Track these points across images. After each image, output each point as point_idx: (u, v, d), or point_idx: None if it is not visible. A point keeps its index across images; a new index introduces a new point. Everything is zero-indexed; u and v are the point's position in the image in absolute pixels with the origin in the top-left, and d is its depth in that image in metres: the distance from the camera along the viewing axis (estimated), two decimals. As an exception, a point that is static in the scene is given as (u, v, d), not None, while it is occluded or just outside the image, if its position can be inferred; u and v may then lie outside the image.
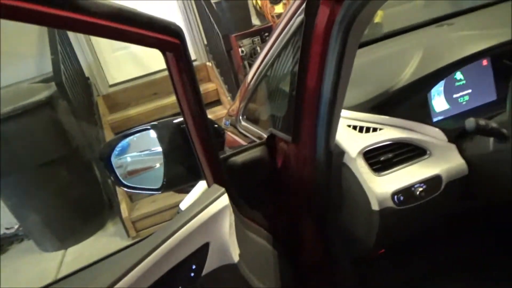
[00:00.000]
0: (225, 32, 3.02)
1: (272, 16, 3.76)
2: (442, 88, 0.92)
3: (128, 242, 2.81)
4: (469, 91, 0.93)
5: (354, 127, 0.87)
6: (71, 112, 2.59)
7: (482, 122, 0.67)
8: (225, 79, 3.32)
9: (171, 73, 0.67)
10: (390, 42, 1.15)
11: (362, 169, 0.81)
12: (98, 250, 2.83)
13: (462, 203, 0.88)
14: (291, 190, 0.90)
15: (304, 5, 0.71)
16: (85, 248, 2.96)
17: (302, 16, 0.72)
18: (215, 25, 2.88)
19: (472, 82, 0.93)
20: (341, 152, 0.82)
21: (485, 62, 0.93)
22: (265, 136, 0.94)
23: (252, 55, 3.37)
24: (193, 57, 3.79)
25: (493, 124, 0.68)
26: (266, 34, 3.43)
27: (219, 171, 0.77)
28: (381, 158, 0.84)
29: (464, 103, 0.94)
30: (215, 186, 0.73)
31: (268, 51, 0.93)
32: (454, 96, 0.93)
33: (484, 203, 0.89)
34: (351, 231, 0.88)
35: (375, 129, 0.87)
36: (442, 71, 0.87)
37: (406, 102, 0.87)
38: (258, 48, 3.43)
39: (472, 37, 0.96)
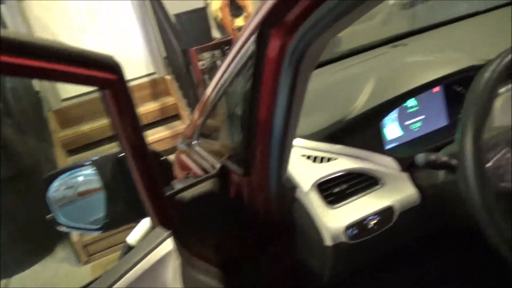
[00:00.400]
0: (185, 45, 2.97)
1: (233, 29, 3.74)
2: (395, 116, 0.91)
3: (79, 268, 2.65)
4: (422, 117, 0.93)
5: (309, 157, 0.85)
6: (18, 130, 2.43)
7: (431, 157, 0.66)
8: (184, 93, 3.26)
9: (109, 110, 0.62)
10: (344, 64, 1.14)
11: (315, 203, 0.79)
12: (45, 278, 2.64)
13: (415, 232, 0.87)
14: (244, 225, 0.85)
15: (255, 35, 0.68)
16: (31, 276, 2.76)
17: (253, 46, 0.68)
18: (173, 38, 2.82)
19: (425, 108, 0.93)
20: (294, 187, 0.79)
21: (436, 88, 0.94)
22: (218, 165, 0.90)
23: (212, 69, 3.33)
24: (151, 70, 3.70)
25: (442, 157, 0.67)
26: (227, 47, 3.41)
27: (164, 210, 0.71)
28: (335, 190, 0.82)
29: (416, 129, 0.94)
30: (158, 230, 0.68)
31: (221, 76, 0.89)
32: (407, 123, 0.92)
33: (436, 231, 0.89)
34: (305, 265, 0.85)
35: (329, 159, 0.84)
36: (396, 100, 0.86)
37: (360, 130, 0.86)
38: (218, 62, 3.39)
39: (425, 64, 0.97)
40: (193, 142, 1.22)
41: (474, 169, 0.59)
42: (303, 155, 0.85)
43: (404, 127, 0.92)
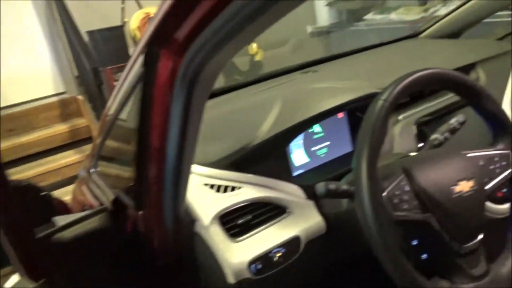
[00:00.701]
0: (100, 63, 2.78)
1: (152, 49, 3.62)
2: (301, 142, 0.89)
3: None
4: (327, 143, 0.93)
5: (212, 186, 0.79)
6: None
7: (331, 186, 0.64)
8: (98, 114, 3.04)
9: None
10: (253, 90, 1.11)
11: (216, 238, 0.72)
12: None
13: (322, 261, 0.85)
14: (139, 266, 0.76)
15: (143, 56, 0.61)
16: None
17: (141, 67, 0.62)
18: (83, 56, 2.63)
19: (330, 134, 0.93)
20: (192, 220, 0.72)
21: (341, 114, 0.94)
22: (112, 198, 0.80)
23: (129, 89, 3.17)
24: (62, 89, 3.42)
25: (343, 186, 0.66)
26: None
27: (32, 255, 0.60)
28: (239, 221, 0.77)
29: (323, 155, 0.93)
30: (22, 282, 0.56)
31: (115, 98, 0.81)
32: (313, 149, 0.91)
33: (343, 259, 0.87)
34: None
35: (233, 188, 0.79)
36: (300, 126, 0.84)
37: (265, 157, 0.82)
38: (136, 82, 3.24)
39: (331, 90, 0.97)
40: (91, 170, 1.10)
41: (368, 198, 0.57)
42: (206, 184, 0.79)
43: (310, 154, 0.91)
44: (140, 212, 0.70)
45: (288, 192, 0.82)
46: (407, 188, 0.62)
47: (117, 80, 3.19)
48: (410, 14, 3.00)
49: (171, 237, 0.69)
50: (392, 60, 1.32)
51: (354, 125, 0.95)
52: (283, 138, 0.83)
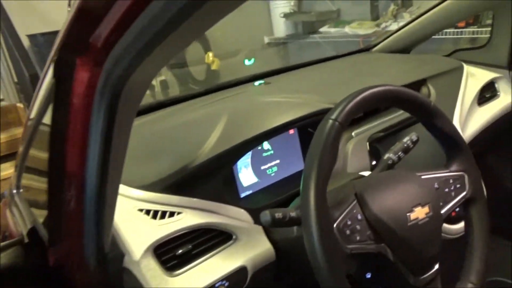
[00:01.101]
0: (42, 69, 2.56)
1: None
2: (249, 160, 0.83)
3: None
4: (277, 161, 0.87)
5: (147, 212, 0.69)
6: None
7: (278, 214, 0.57)
8: (39, 124, 2.82)
9: None
10: (199, 103, 1.03)
11: (149, 273, 0.63)
12: None
13: None
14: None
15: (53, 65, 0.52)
16: None
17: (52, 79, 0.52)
18: (21, 61, 2.43)
19: (280, 152, 0.87)
20: (120, 255, 0.63)
21: (291, 130, 0.88)
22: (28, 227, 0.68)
23: (75, 98, 2.97)
24: (0, 96, 3.15)
25: (290, 213, 0.59)
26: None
27: None
28: (178, 252, 0.68)
29: (273, 174, 0.86)
30: None
31: (31, 111, 0.70)
32: (262, 167, 0.85)
33: (293, 287, 0.81)
34: None
35: (172, 214, 0.71)
36: (248, 143, 0.77)
37: (209, 178, 0.74)
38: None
39: (282, 105, 0.91)
40: (13, 191, 0.97)
41: (316, 231, 0.51)
42: (140, 210, 0.69)
43: (259, 173, 0.84)
44: (55, 247, 0.60)
45: (234, 216, 0.75)
46: (359, 216, 0.57)
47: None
48: (363, 28, 3.07)
49: (94, 276, 0.59)
50: (345, 74, 1.30)
51: (306, 141, 0.90)
52: (229, 157, 0.76)
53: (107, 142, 0.50)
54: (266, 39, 3.93)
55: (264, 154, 0.84)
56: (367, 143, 0.93)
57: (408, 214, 0.58)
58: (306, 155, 0.89)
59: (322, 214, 0.53)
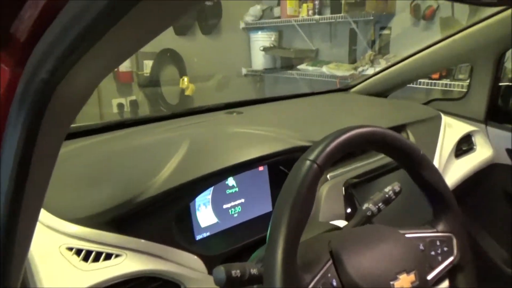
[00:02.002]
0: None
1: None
2: (209, 197, 0.72)
3: None
4: (242, 200, 0.76)
5: (78, 252, 0.57)
6: None
7: (235, 272, 0.46)
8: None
9: None
10: (162, 127, 0.92)
11: None
12: None
13: None
14: None
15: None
16: None
17: None
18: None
19: (246, 190, 0.77)
20: None
21: (261, 167, 0.79)
22: None
23: None
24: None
25: (251, 269, 0.48)
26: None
27: None
28: None
29: (235, 215, 0.76)
30: None
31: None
32: (225, 206, 0.74)
33: None
34: None
35: (109, 256, 0.58)
36: (210, 178, 0.67)
37: (159, 215, 0.63)
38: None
39: (253, 137, 0.82)
40: None
41: None
42: (69, 248, 0.56)
43: (220, 212, 0.73)
44: None
45: (184, 264, 0.63)
46: (334, 282, 0.47)
47: None
48: (341, 70, 3.10)
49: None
50: (322, 111, 1.23)
51: (276, 180, 0.81)
52: (185, 192, 0.65)
53: (23, 167, 0.38)
54: (244, 71, 3.91)
55: (228, 191, 0.74)
56: (343, 188, 0.84)
57: (392, 282, 0.48)
58: (275, 196, 0.81)
59: (290, 276, 0.42)
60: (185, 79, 3.43)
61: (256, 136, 0.82)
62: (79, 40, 0.29)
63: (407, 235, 0.56)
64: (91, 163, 0.69)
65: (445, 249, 0.58)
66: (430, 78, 2.45)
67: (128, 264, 0.58)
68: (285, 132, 0.85)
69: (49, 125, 0.37)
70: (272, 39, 3.67)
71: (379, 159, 0.94)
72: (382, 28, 2.96)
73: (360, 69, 2.99)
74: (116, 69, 3.17)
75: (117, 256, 0.58)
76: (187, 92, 3.46)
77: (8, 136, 0.37)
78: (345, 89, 1.65)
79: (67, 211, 0.59)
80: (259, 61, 3.70)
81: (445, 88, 2.38)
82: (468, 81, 2.34)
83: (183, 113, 1.11)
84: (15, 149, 0.36)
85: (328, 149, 0.47)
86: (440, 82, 2.39)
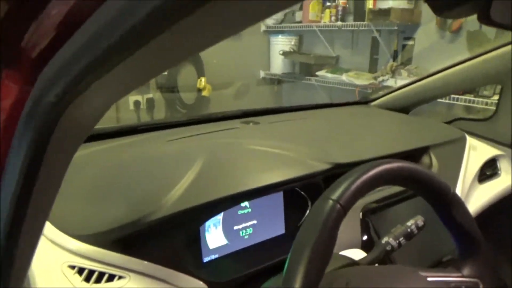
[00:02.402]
0: None
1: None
2: (220, 218, 0.69)
3: None
4: (254, 222, 0.73)
5: (80, 271, 0.54)
6: None
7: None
8: None
9: None
10: (178, 134, 0.89)
11: None
12: None
13: None
14: None
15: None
16: None
17: None
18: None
19: (259, 211, 0.73)
20: None
21: (276, 188, 0.75)
22: None
23: None
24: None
25: None
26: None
27: None
28: None
29: (246, 237, 0.72)
30: None
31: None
32: (236, 228, 0.71)
33: None
34: None
35: (112, 277, 0.55)
36: (225, 201, 0.64)
37: (168, 237, 0.60)
38: None
39: (272, 158, 0.78)
40: None
41: None
42: (71, 267, 0.54)
43: (230, 234, 0.70)
44: None
45: (190, 289, 0.60)
46: None
47: None
48: (360, 79, 3.04)
49: None
50: (342, 125, 1.19)
51: (291, 202, 0.77)
52: (196, 215, 0.62)
53: (28, 185, 0.36)
54: (262, 73, 3.88)
55: (240, 212, 0.71)
56: (360, 214, 0.80)
57: None
58: (288, 218, 0.77)
59: None
60: (203, 79, 3.42)
61: (273, 156, 0.78)
62: (97, 63, 0.26)
63: (429, 279, 0.52)
64: (101, 175, 0.67)
65: None
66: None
67: (131, 287, 0.55)
68: (304, 151, 0.81)
69: (57, 146, 0.34)
70: (292, 43, 3.63)
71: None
72: (406, 39, 2.89)
73: (380, 78, 2.93)
74: (134, 67, 3.17)
75: (120, 277, 0.56)
76: (204, 93, 3.45)
77: (14, 154, 0.34)
78: (365, 102, 1.60)
79: (72, 227, 0.56)
80: (278, 65, 3.67)
81: (468, 104, 2.30)
82: (493, 98, 2.27)
83: (198, 119, 1.09)
84: (20, 167, 0.34)
85: (353, 187, 0.43)
86: (463, 97, 2.32)
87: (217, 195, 0.62)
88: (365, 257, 0.62)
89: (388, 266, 0.55)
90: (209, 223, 0.67)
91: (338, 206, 0.42)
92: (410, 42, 2.89)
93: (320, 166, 0.74)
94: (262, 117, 1.22)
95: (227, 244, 0.69)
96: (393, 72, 2.86)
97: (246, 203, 0.71)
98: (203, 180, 0.65)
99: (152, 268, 0.57)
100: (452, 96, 2.33)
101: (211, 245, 0.68)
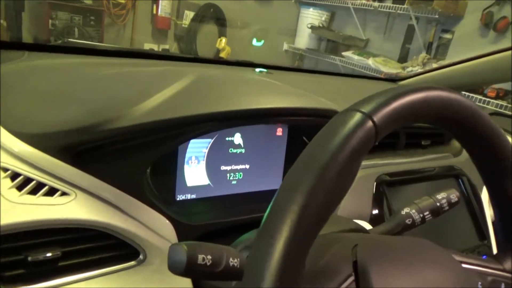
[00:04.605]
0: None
1: None
2: (206, 150, 0.55)
3: None
4: (246, 166, 0.60)
5: (14, 177, 0.42)
6: None
7: (205, 258, 0.30)
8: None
9: None
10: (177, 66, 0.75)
11: None
12: None
13: None
14: None
15: None
16: None
17: None
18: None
19: (255, 154, 0.60)
20: None
21: (279, 130, 0.62)
22: None
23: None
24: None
25: (232, 258, 0.32)
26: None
27: None
28: (41, 256, 0.41)
29: (234, 182, 0.59)
30: None
31: None
32: (223, 168, 0.58)
33: None
34: None
35: (53, 191, 0.43)
36: (213, 120, 0.50)
37: (132, 155, 0.47)
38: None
39: (279, 88, 0.65)
40: None
41: None
42: (4, 169, 0.42)
43: (215, 174, 0.57)
44: None
45: (151, 226, 0.47)
46: None
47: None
48: (388, 66, 2.86)
49: None
50: (366, 92, 1.04)
51: (295, 152, 0.63)
52: (173, 132, 0.48)
53: None
54: (285, 46, 3.70)
55: (231, 150, 0.57)
56: (374, 184, 0.67)
57: None
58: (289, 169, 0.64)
59: (287, 283, 0.26)
60: (223, 40, 3.25)
61: (281, 87, 0.64)
62: None
63: (463, 265, 0.39)
64: (66, 82, 0.53)
65: None
66: (485, 96, 2.21)
67: (74, 207, 0.43)
68: (319, 98, 0.67)
69: None
70: (323, 18, 3.43)
71: (425, 160, 0.75)
72: (444, 31, 2.69)
73: (409, 69, 2.75)
74: (154, 13, 3.02)
75: (63, 194, 0.43)
76: (222, 54, 3.28)
77: None
78: (393, 80, 1.45)
79: (14, 123, 0.44)
80: (303, 39, 3.48)
81: (498, 109, 2.13)
82: (528, 107, 2.09)
83: (205, 59, 0.94)
84: None
85: (393, 105, 0.29)
86: (495, 101, 2.15)
87: (202, 110, 0.48)
88: (377, 227, 0.48)
89: (410, 238, 0.41)
90: (191, 153, 0.54)
91: (370, 122, 0.28)
92: (448, 36, 2.69)
93: (336, 107, 0.60)
94: (278, 71, 1.08)
95: (208, 185, 0.56)
96: (424, 65, 2.68)
97: (240, 141, 0.57)
98: (187, 95, 0.51)
99: (106, 189, 0.45)
100: (484, 98, 2.16)
101: (190, 181, 0.55)
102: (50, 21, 2.71)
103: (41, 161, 0.43)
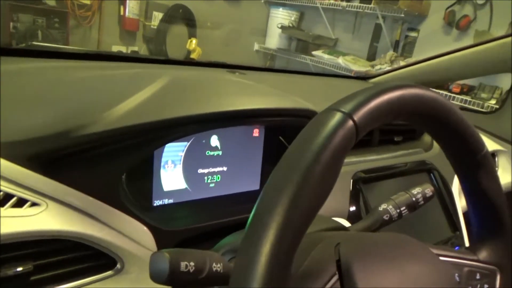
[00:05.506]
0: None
1: None
2: (182, 154, 0.54)
3: None
4: (224, 168, 0.59)
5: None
6: None
7: (188, 265, 0.29)
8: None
9: None
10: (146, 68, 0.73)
11: None
12: None
13: None
14: None
15: None
16: None
17: None
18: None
19: (232, 156, 0.59)
20: None
21: (256, 132, 0.61)
22: None
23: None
24: None
25: (215, 264, 0.32)
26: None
27: None
28: (9, 271, 0.39)
29: (212, 185, 0.58)
30: None
31: None
32: (200, 171, 0.57)
33: None
34: None
35: (22, 203, 0.41)
36: (189, 123, 0.49)
37: (106, 162, 0.45)
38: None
39: (253, 88, 0.64)
40: None
41: None
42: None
43: (192, 177, 0.56)
44: None
45: (128, 234, 0.46)
46: None
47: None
48: (357, 65, 2.92)
49: None
50: (339, 93, 1.05)
51: (271, 153, 0.63)
52: (147, 137, 0.47)
53: None
54: (256, 46, 3.71)
55: (208, 153, 0.57)
56: (351, 181, 0.68)
57: None
58: (266, 172, 0.64)
59: (276, 285, 0.25)
60: (194, 41, 3.22)
61: (258, 88, 0.64)
62: None
63: (441, 258, 0.40)
64: (33, 87, 0.51)
65: (486, 286, 0.42)
66: (450, 91, 2.29)
67: (45, 218, 0.41)
68: (295, 97, 0.68)
69: None
70: (292, 18, 3.46)
71: (398, 156, 0.77)
72: (410, 30, 2.77)
73: (377, 67, 2.81)
74: (122, 14, 2.95)
75: (33, 204, 0.41)
76: (193, 55, 3.25)
77: None
78: (363, 78, 1.48)
79: None
80: (274, 39, 3.50)
81: (463, 105, 2.21)
82: (490, 101, 2.18)
83: (176, 61, 0.93)
84: None
85: (372, 104, 0.29)
86: (460, 97, 2.23)
87: (179, 113, 0.47)
88: (356, 224, 0.49)
89: (390, 234, 0.42)
90: (167, 157, 0.53)
91: (351, 122, 0.28)
92: (414, 34, 2.77)
93: (313, 107, 0.60)
94: (250, 71, 1.08)
95: (186, 189, 0.55)
96: (392, 63, 2.75)
97: (217, 143, 0.57)
98: (161, 98, 0.49)
99: (80, 198, 0.43)
100: (449, 94, 2.24)
101: (166, 186, 0.53)
102: (11, 23, 2.60)
103: (8, 171, 0.41)
